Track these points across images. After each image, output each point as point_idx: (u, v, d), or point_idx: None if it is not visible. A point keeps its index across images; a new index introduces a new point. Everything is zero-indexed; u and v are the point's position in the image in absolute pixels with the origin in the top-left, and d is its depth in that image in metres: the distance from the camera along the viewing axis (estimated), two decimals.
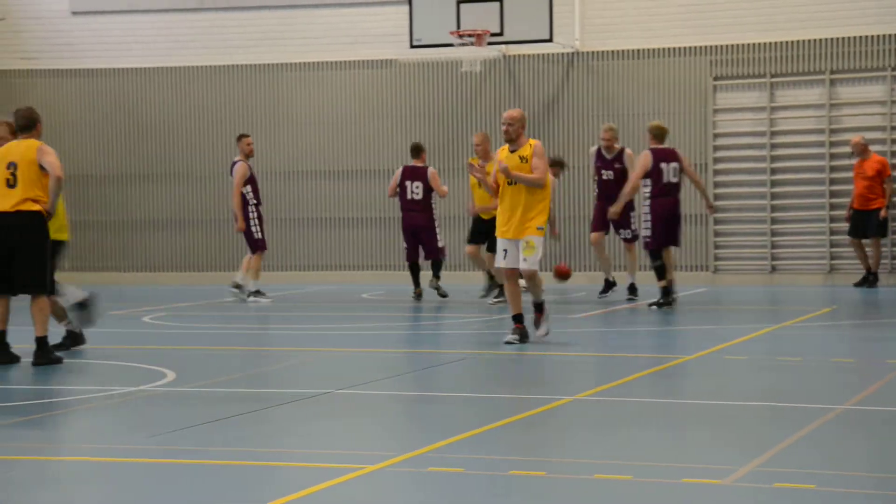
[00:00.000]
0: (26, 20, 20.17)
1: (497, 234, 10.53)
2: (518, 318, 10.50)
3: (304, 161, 19.57)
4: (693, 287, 17.13)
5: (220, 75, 19.74)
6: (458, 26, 17.67)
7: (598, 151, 15.03)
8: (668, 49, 18.36)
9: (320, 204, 19.56)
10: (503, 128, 10.70)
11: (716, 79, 18.24)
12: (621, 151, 14.88)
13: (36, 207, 9.64)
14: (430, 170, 15.34)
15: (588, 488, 5.58)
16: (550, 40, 17.76)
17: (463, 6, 17.73)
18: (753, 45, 18.07)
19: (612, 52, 18.52)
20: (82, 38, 20.01)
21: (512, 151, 10.65)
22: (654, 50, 18.40)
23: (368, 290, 17.51)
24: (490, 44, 17.79)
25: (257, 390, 8.53)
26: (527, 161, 10.50)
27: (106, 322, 13.35)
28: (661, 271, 13.78)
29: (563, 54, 18.61)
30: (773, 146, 17.97)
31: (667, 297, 13.73)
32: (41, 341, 9.64)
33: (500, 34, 17.71)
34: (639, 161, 14.00)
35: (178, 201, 19.96)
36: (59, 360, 9.73)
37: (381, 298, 16.39)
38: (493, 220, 11.04)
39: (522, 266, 10.39)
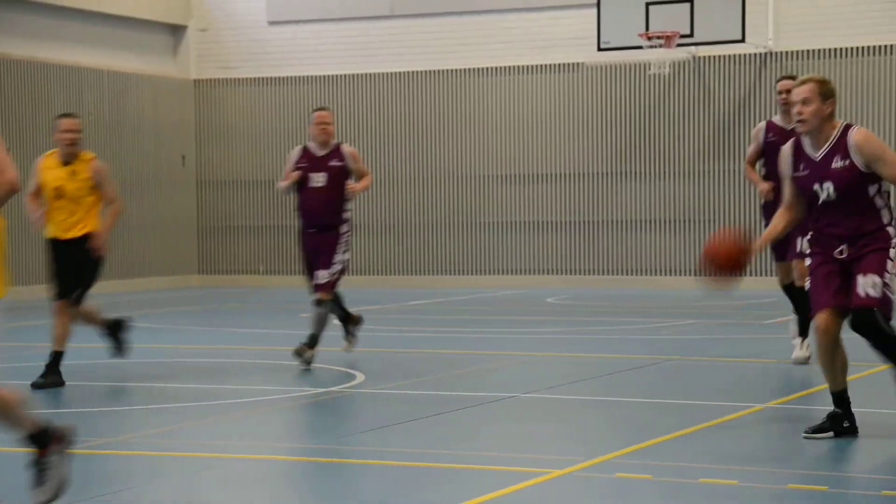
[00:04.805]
0: (226, 31, 20.88)
1: None
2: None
3: (492, 165, 19.66)
4: None
5: (409, 81, 20.01)
6: (647, 28, 17.47)
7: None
8: (872, 48, 17.72)
9: (509, 208, 19.61)
10: None
11: None
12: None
13: None
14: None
15: (782, 499, 5.43)
16: (743, 40, 17.37)
17: (652, 8, 17.52)
18: None
19: (809, 51, 17.98)
20: (278, 47, 20.59)
21: None
22: (855, 49, 17.78)
23: (554, 294, 17.47)
24: (679, 45, 17.52)
25: (445, 393, 8.60)
26: None
27: (298, 324, 13.69)
28: None
29: (755, 55, 18.18)
30: None
31: None
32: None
33: (690, 35, 17.42)
34: None
35: (369, 205, 20.30)
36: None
37: (567, 303, 16.33)
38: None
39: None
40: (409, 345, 11.62)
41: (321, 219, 9.76)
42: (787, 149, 6.56)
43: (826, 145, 6.40)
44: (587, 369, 9.75)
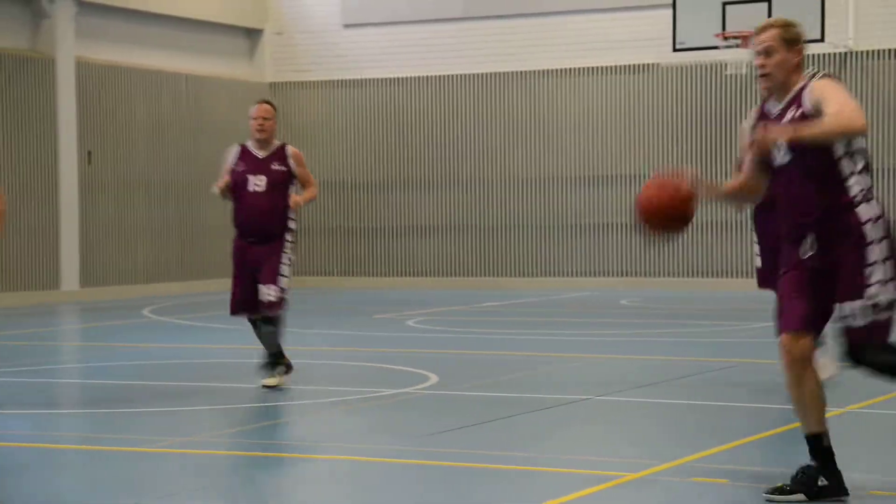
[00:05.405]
0: (301, 34, 21.04)
1: None
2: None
3: (566, 167, 19.58)
4: None
5: (481, 83, 20.00)
6: (724, 28, 17.29)
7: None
8: None
9: (583, 210, 19.51)
10: None
11: None
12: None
13: None
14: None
15: None
16: (822, 40, 17.10)
17: (729, 7, 17.33)
18: None
19: (891, 50, 17.65)
20: (352, 50, 20.70)
21: None
22: None
23: (628, 296, 17.34)
24: None
25: (518, 395, 8.57)
26: None
27: (372, 325, 13.74)
28: None
29: (835, 54, 17.90)
30: None
31: None
32: None
33: None
34: None
35: (441, 207, 20.33)
36: None
37: (641, 305, 16.21)
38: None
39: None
40: (481, 346, 11.61)
41: (261, 228, 8.67)
42: (754, 110, 5.46)
43: (786, 98, 5.27)
44: (660, 372, 9.66)
